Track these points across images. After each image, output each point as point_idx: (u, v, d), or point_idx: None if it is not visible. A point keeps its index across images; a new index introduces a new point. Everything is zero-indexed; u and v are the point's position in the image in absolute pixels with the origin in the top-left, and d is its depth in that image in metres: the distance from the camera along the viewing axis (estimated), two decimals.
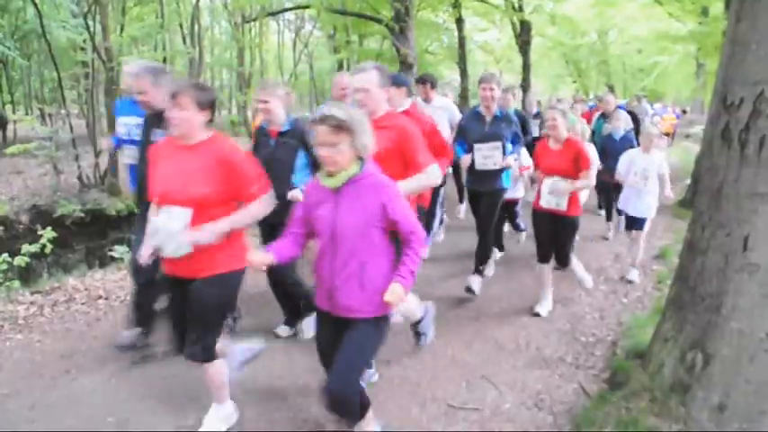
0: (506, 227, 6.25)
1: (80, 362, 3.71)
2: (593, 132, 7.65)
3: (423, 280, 5.17)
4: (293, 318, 4.00)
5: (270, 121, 3.70)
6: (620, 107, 8.07)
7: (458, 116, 5.62)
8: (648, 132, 5.32)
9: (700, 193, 3.12)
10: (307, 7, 14.71)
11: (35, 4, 11.69)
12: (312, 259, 2.64)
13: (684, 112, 26.47)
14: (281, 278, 3.77)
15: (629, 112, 7.72)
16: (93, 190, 11.43)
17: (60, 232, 7.21)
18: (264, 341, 3.36)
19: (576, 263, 4.69)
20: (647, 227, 5.42)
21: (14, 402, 3.23)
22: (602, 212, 7.27)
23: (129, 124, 3.76)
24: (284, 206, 3.26)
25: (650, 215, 5.31)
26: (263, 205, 2.67)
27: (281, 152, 3.62)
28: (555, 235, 4.39)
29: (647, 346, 3.39)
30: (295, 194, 3.46)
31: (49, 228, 5.79)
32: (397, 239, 2.43)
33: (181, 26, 21.67)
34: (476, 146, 4.60)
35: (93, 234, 10.31)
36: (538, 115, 7.90)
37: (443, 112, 5.54)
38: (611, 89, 26.22)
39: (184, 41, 21.58)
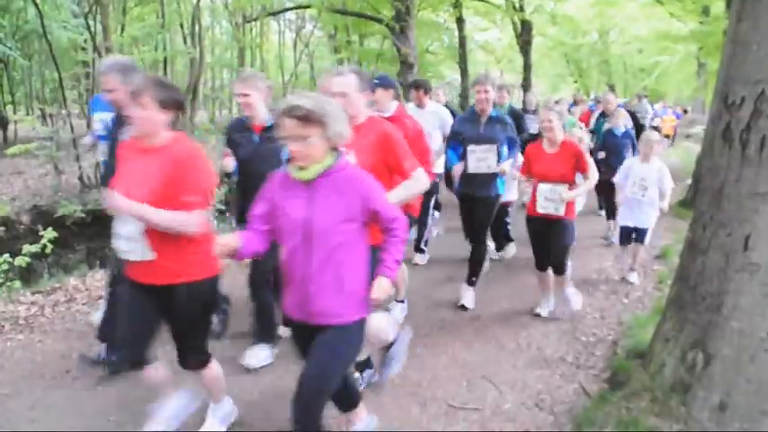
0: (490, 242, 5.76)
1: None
2: (593, 132, 7.65)
3: (423, 282, 5.20)
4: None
5: (251, 116, 3.50)
6: (619, 107, 8.05)
7: (450, 123, 5.34)
8: (648, 139, 5.19)
9: (701, 193, 3.12)
10: (307, 7, 14.74)
11: (36, 5, 11.71)
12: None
13: (685, 111, 26.42)
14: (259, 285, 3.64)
15: (630, 112, 7.70)
16: (94, 190, 11.41)
17: (61, 232, 7.19)
18: (199, 400, 2.94)
19: (568, 278, 4.49)
20: (647, 239, 5.30)
21: (15, 402, 3.23)
22: (603, 213, 7.24)
23: (104, 120, 3.70)
24: None
25: (651, 225, 5.20)
26: (200, 217, 2.44)
27: (266, 148, 3.41)
28: (550, 240, 4.23)
29: (648, 345, 3.38)
30: None
31: (49, 228, 5.77)
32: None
33: (181, 26, 21.63)
34: (469, 147, 4.42)
35: (93, 234, 10.28)
36: (537, 111, 7.86)
37: (436, 119, 5.36)
38: (612, 88, 26.18)
39: (185, 41, 21.54)
